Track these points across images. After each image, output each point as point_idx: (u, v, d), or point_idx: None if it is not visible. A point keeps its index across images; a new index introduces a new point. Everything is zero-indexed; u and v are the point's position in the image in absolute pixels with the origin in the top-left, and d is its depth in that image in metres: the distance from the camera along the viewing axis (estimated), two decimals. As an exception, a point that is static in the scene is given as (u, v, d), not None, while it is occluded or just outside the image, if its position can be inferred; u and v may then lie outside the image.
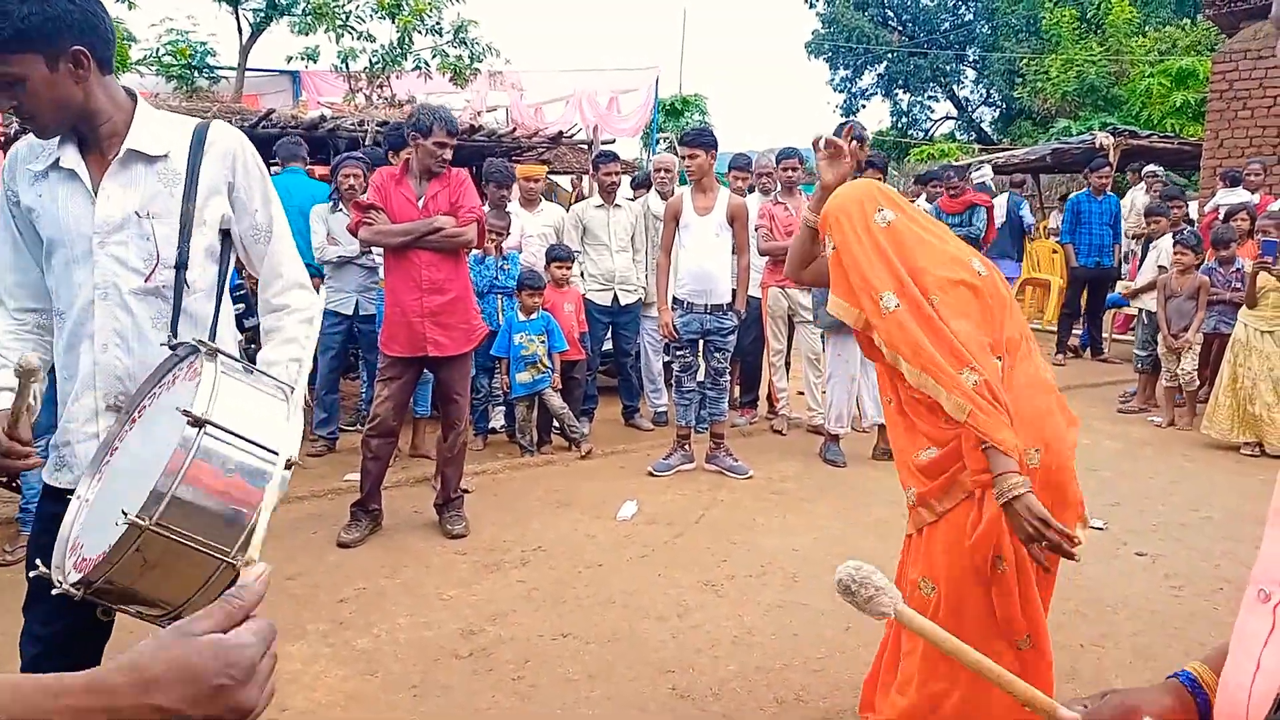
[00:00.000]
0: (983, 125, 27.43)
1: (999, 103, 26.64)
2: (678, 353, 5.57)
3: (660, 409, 6.84)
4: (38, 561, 1.62)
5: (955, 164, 11.77)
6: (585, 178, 12.52)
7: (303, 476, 5.29)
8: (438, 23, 11.32)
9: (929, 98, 28.69)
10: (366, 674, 3.21)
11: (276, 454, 1.61)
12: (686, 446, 5.66)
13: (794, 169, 6.33)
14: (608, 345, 6.71)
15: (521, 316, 5.80)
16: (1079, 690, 3.10)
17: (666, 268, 5.55)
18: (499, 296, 5.99)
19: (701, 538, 4.54)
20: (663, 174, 6.78)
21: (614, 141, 11.52)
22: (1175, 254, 6.88)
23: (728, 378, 5.76)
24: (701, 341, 5.51)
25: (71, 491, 1.76)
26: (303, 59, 11.49)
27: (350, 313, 5.78)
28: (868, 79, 28.40)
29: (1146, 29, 20.13)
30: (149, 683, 0.73)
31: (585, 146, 10.82)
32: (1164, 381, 7.04)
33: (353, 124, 8.50)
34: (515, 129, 9.81)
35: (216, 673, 0.75)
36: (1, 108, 1.75)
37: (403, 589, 3.92)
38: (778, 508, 5.00)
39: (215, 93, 11.38)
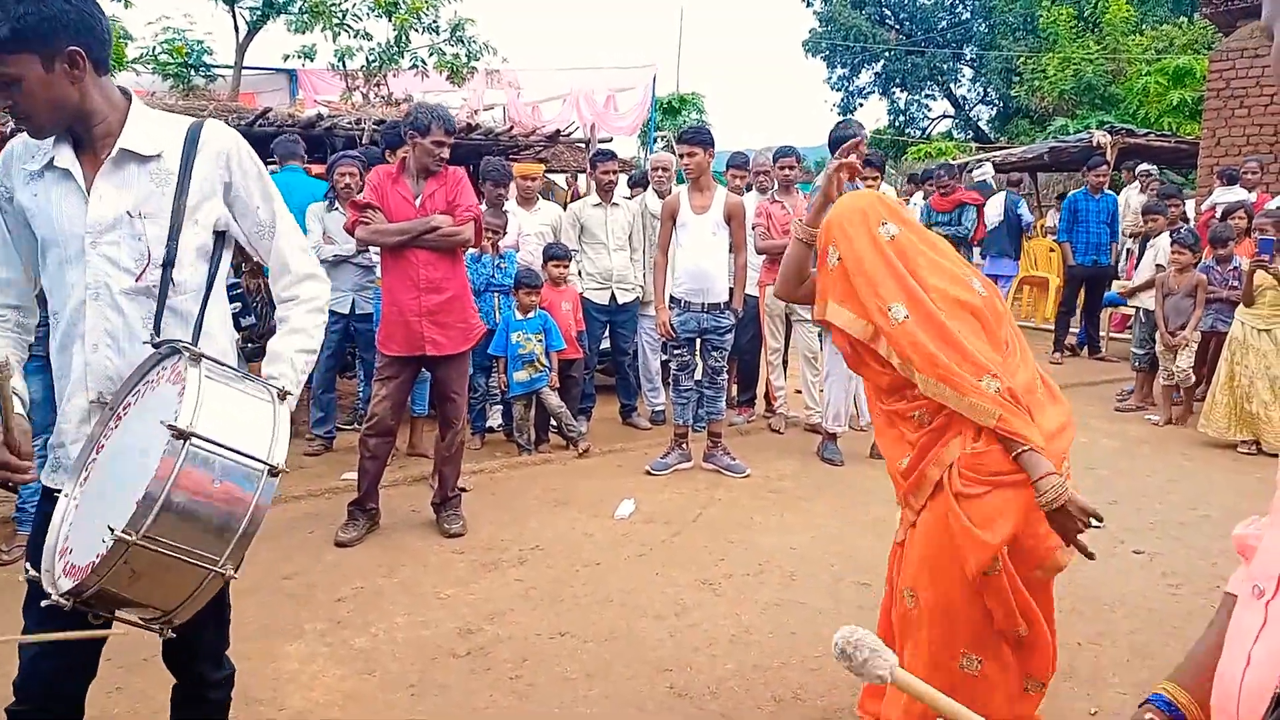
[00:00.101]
0: (980, 124, 27.43)
1: (996, 101, 26.65)
2: (675, 351, 5.57)
3: (658, 408, 6.84)
4: (26, 565, 1.62)
5: (953, 162, 11.77)
6: (581, 176, 12.53)
7: (300, 476, 5.29)
8: (434, 21, 11.31)
9: (926, 96, 28.68)
10: (364, 673, 3.20)
11: (262, 462, 1.61)
12: (684, 445, 5.66)
13: (791, 167, 6.32)
14: (605, 344, 6.71)
15: (519, 315, 5.79)
16: (1075, 688, 3.11)
17: (664, 266, 5.55)
18: (495, 295, 5.98)
19: (699, 536, 4.54)
20: (660, 172, 6.77)
21: (611, 140, 11.53)
22: (1173, 253, 6.88)
23: (725, 376, 5.76)
24: (699, 340, 5.51)
25: None
26: (299, 57, 11.47)
27: (347, 311, 5.78)
28: (865, 77, 28.39)
29: (1144, 27, 20.13)
30: None
31: (582, 145, 10.82)
32: (1161, 380, 7.04)
33: (349, 122, 8.49)
34: (512, 127, 9.79)
35: None
36: None
37: (400, 588, 3.92)
38: (775, 506, 5.00)
39: (212, 91, 11.37)
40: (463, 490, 4.75)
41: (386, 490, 4.81)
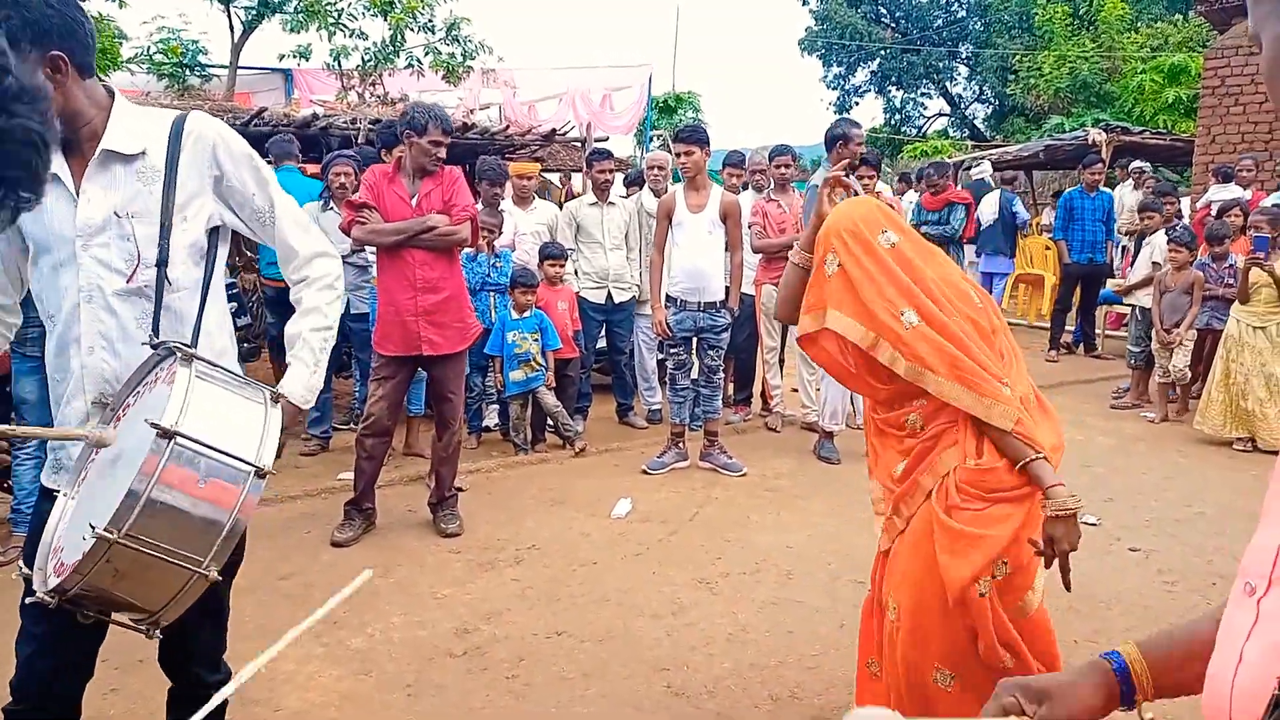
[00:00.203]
0: (976, 122, 27.46)
1: (992, 99, 26.67)
2: (672, 350, 5.57)
3: (654, 407, 6.83)
4: (20, 564, 1.62)
5: (947, 160, 11.78)
6: (574, 175, 12.53)
7: (296, 476, 5.29)
8: (430, 20, 11.30)
9: (922, 94, 28.71)
10: (361, 674, 3.20)
11: (249, 463, 1.61)
12: (681, 444, 5.66)
13: (787, 166, 6.32)
14: (602, 343, 6.70)
15: (514, 314, 5.79)
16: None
17: (660, 265, 5.55)
18: (491, 294, 5.98)
19: (696, 535, 4.54)
20: (656, 171, 6.77)
21: (607, 139, 11.54)
22: (1170, 251, 6.89)
23: (721, 375, 5.76)
24: (695, 339, 5.51)
25: None
26: (295, 57, 11.46)
27: (342, 311, 5.76)
28: (861, 76, 28.41)
29: (1139, 25, 20.16)
30: None
31: (578, 144, 10.81)
32: (1157, 377, 7.05)
33: (345, 122, 8.49)
34: (508, 127, 9.80)
35: None
36: None
37: (397, 588, 3.92)
38: (772, 505, 5.00)
39: (207, 91, 11.36)
40: (459, 490, 4.74)
41: (383, 490, 4.81)
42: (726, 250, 5.50)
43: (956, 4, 27.33)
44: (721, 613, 3.68)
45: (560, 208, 7.12)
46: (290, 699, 3.03)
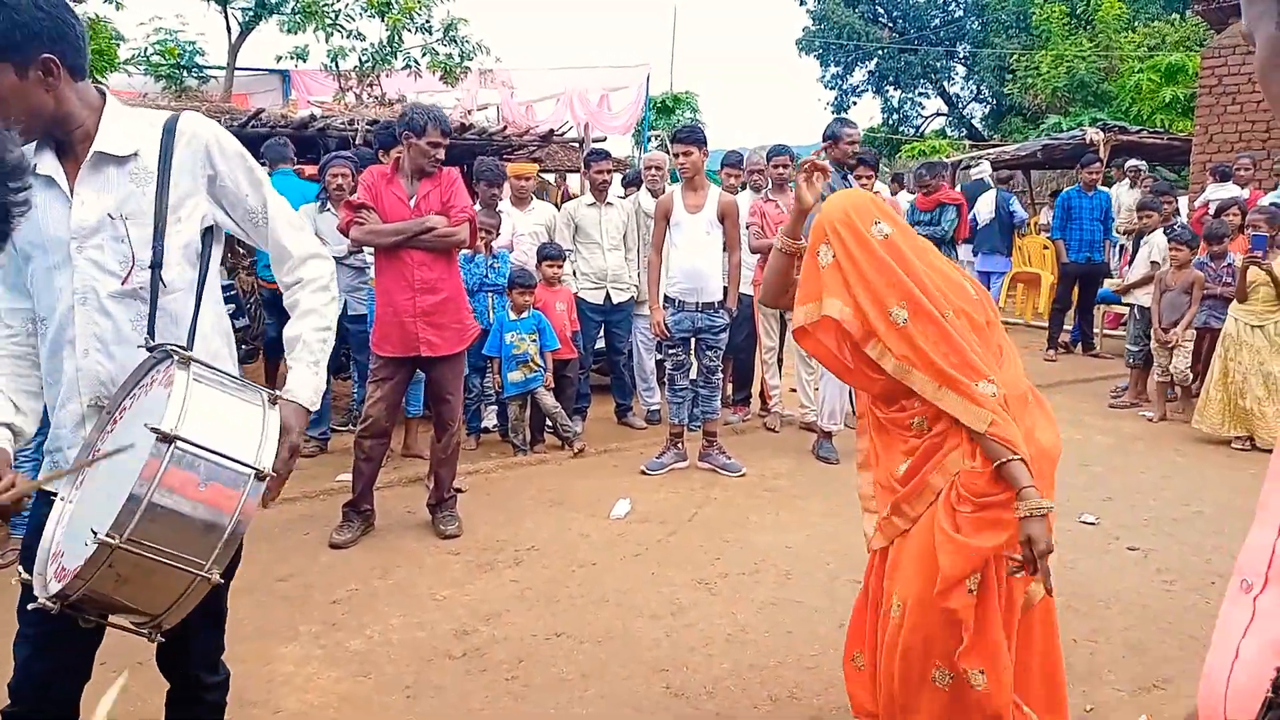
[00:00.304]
0: (973, 121, 27.49)
1: (989, 99, 26.70)
2: (670, 351, 5.56)
3: (653, 407, 6.83)
4: (19, 569, 1.62)
5: (943, 160, 11.79)
6: (569, 175, 12.53)
7: (294, 477, 5.23)
8: (427, 21, 11.29)
9: (920, 94, 28.75)
10: (359, 675, 3.20)
11: (249, 466, 1.60)
12: (679, 445, 5.65)
13: (785, 166, 6.31)
14: (600, 344, 6.70)
15: (513, 315, 5.78)
16: (1071, 685, 3.10)
17: (658, 266, 5.54)
18: (489, 295, 5.97)
19: (695, 536, 4.54)
20: (654, 172, 6.77)
21: (605, 139, 11.53)
22: (1170, 249, 6.89)
23: (720, 375, 5.76)
24: (694, 339, 5.51)
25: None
26: (292, 58, 11.45)
27: (339, 313, 5.75)
28: (858, 76, 28.45)
29: (1136, 25, 20.18)
30: None
31: (576, 145, 10.81)
32: (1156, 376, 7.06)
33: (343, 123, 8.48)
34: (506, 127, 9.78)
35: None
36: None
37: (395, 589, 3.91)
38: (771, 505, 5.00)
39: (204, 92, 11.35)
40: (458, 491, 4.74)
41: (381, 492, 4.80)
42: (724, 251, 5.51)
43: (954, 3, 27.37)
44: (720, 613, 3.68)
45: (557, 208, 7.12)
46: (289, 700, 3.02)
